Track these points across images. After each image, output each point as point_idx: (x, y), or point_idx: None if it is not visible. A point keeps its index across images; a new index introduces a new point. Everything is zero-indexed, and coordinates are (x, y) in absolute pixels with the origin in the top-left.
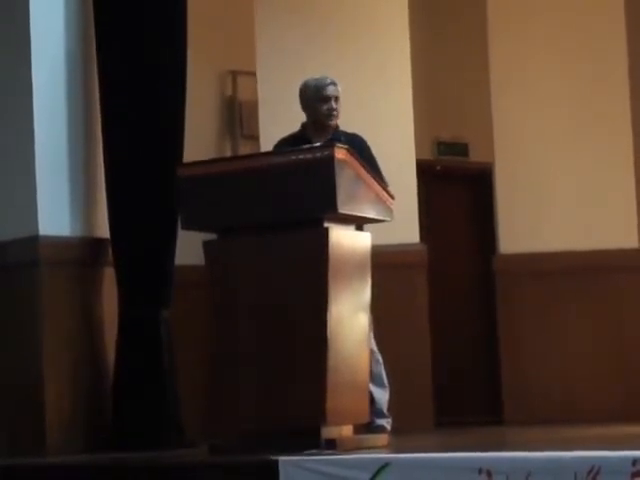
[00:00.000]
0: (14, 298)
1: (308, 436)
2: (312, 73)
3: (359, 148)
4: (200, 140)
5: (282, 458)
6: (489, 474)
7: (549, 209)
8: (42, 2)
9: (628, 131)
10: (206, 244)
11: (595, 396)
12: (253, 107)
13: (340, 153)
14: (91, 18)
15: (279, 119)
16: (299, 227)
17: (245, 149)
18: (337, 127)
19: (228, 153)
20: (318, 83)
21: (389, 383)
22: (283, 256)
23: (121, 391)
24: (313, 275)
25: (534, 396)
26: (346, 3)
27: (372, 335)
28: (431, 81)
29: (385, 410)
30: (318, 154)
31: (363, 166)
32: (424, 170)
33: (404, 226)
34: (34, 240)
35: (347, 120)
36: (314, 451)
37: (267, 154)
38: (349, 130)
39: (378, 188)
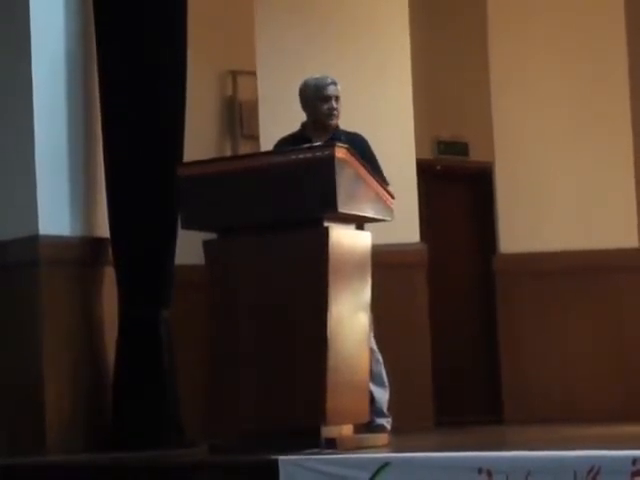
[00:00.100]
0: (14, 298)
1: (308, 436)
2: (312, 73)
3: (360, 147)
4: (200, 140)
5: (282, 458)
6: (489, 474)
7: (549, 209)
8: (42, 1)
9: (628, 131)
10: (206, 244)
11: (595, 396)
12: (253, 107)
13: (340, 152)
14: (91, 17)
15: (279, 119)
16: (299, 227)
17: (245, 149)
18: (337, 127)
19: (228, 153)
20: (318, 82)
21: (389, 382)
22: (283, 256)
23: (121, 391)
24: (313, 275)
25: (534, 396)
26: (346, 3)
27: (372, 335)
28: (431, 80)
29: (385, 409)
30: (318, 154)
31: (363, 165)
32: (424, 169)
33: (404, 225)
34: (34, 240)
35: (347, 120)
36: (314, 450)
37: (267, 154)
38: (349, 129)
39: (378, 187)
